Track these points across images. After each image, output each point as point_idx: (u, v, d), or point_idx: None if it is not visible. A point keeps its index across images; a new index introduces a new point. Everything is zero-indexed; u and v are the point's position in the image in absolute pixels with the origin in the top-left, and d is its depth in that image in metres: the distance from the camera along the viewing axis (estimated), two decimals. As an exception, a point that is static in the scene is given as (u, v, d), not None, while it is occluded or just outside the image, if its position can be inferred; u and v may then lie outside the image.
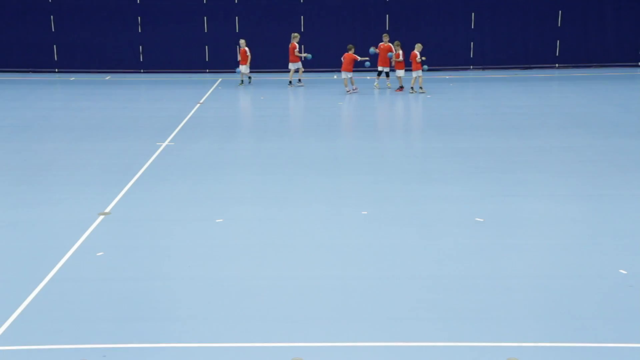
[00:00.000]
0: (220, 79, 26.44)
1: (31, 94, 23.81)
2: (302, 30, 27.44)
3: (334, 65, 27.16)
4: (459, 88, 24.30)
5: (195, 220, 11.91)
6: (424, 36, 25.75)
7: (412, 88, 23.20)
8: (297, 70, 24.99)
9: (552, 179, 13.93)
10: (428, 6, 27.33)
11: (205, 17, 27.56)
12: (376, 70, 24.42)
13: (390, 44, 23.69)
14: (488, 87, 24.57)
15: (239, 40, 25.19)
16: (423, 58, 22.68)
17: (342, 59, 23.54)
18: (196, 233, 11.37)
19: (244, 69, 24.76)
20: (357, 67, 24.00)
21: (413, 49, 22.95)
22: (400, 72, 23.46)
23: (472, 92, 23.89)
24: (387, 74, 24.07)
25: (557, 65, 27.78)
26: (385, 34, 24.25)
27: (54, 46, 27.81)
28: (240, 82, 24.95)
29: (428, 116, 20.61)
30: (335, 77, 26.50)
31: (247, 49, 24.41)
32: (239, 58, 24.94)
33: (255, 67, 27.45)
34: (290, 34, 26.42)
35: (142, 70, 27.98)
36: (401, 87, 23.54)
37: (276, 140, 17.26)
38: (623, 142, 16.57)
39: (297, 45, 24.58)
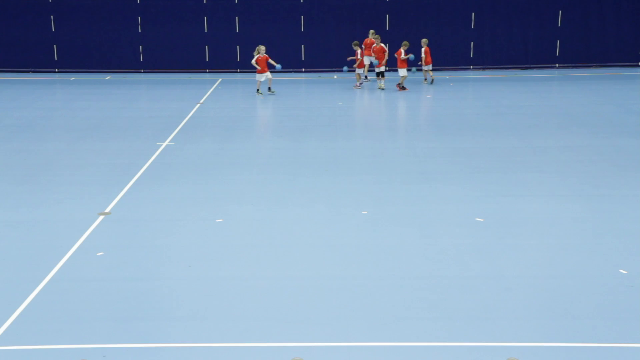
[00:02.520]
0: (220, 79, 26.44)
1: (31, 94, 23.81)
2: (302, 30, 27.45)
3: (334, 65, 27.20)
4: (459, 88, 24.29)
5: (195, 220, 11.91)
6: (424, 36, 25.73)
7: (426, 79, 24.37)
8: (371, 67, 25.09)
9: (552, 179, 13.93)
10: (428, 6, 27.34)
11: (205, 17, 27.56)
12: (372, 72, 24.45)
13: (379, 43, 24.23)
14: (488, 87, 24.57)
15: (258, 45, 23.31)
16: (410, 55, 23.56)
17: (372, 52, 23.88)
18: (196, 233, 11.37)
19: (264, 77, 23.04)
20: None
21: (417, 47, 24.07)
22: (403, 72, 23.61)
23: (472, 92, 23.89)
24: (383, 74, 23.97)
25: (557, 65, 27.79)
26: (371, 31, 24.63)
27: (54, 46, 27.81)
28: (268, 89, 23.26)
29: (428, 116, 20.61)
30: (335, 76, 26.49)
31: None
32: (259, 67, 22.74)
33: (255, 67, 27.45)
34: (289, 33, 26.50)
35: (142, 70, 27.99)
36: (402, 87, 23.61)
37: (276, 140, 17.26)
38: (623, 142, 16.57)
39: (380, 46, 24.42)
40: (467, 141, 16.85)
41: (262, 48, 22.69)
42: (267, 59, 22.58)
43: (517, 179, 13.98)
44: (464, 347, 8.02)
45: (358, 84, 24.22)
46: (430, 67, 24.59)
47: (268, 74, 22.80)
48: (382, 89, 23.75)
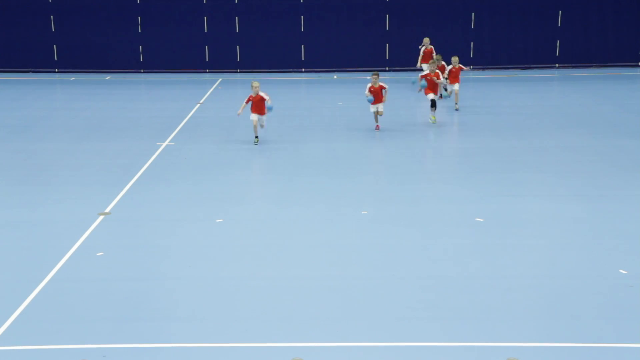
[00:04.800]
0: (220, 79, 26.44)
1: (31, 94, 23.81)
2: (302, 30, 27.45)
3: (334, 65, 27.22)
4: (459, 88, 24.26)
5: (195, 220, 11.91)
6: (424, 36, 25.72)
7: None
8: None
9: (552, 179, 13.93)
10: (428, 6, 27.34)
11: (205, 17, 27.56)
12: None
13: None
14: (488, 87, 24.56)
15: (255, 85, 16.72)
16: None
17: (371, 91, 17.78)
18: (196, 233, 11.37)
19: (261, 118, 16.80)
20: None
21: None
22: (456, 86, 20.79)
23: (472, 92, 23.88)
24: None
25: (557, 65, 27.79)
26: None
27: (54, 46, 27.81)
28: (256, 138, 16.83)
29: (428, 116, 20.59)
30: (335, 77, 26.50)
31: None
32: (248, 104, 16.70)
33: (255, 67, 27.49)
34: (289, 33, 26.51)
35: (142, 70, 27.99)
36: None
37: (276, 140, 17.25)
38: (623, 142, 16.57)
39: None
40: (467, 141, 16.85)
41: (253, 85, 16.57)
42: (262, 100, 16.46)
43: (517, 179, 13.98)
44: (464, 347, 8.02)
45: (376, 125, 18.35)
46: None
47: (255, 119, 16.65)
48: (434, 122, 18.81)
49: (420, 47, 23.82)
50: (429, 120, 18.86)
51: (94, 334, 8.33)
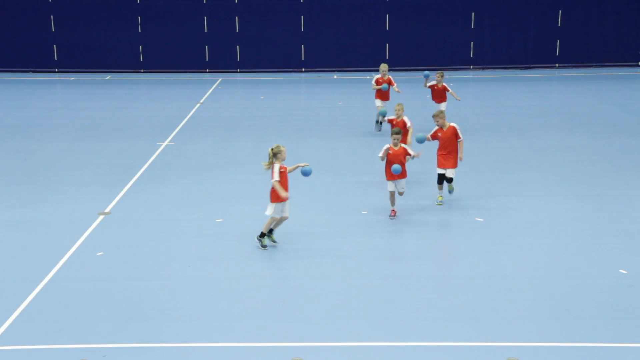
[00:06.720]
0: (220, 79, 26.43)
1: (31, 94, 23.80)
2: (302, 30, 27.44)
3: (334, 65, 27.20)
4: (459, 88, 24.26)
5: (195, 220, 11.91)
6: (424, 36, 25.73)
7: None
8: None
9: (552, 179, 13.93)
10: (428, 6, 27.32)
11: (205, 17, 27.54)
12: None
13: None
14: (488, 87, 24.55)
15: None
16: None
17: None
18: (196, 233, 11.37)
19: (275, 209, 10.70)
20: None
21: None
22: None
23: (472, 92, 23.88)
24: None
25: (557, 65, 27.77)
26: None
27: (54, 46, 27.80)
28: (270, 233, 11.00)
29: (428, 116, 20.57)
30: (335, 77, 26.49)
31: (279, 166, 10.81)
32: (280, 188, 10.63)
33: (255, 67, 27.48)
34: (289, 33, 26.45)
35: (142, 70, 27.97)
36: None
37: (276, 140, 17.20)
38: (623, 142, 16.57)
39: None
40: (467, 141, 16.79)
41: (282, 149, 10.76)
42: (287, 171, 10.84)
43: (517, 179, 13.98)
44: (464, 347, 8.02)
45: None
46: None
47: (284, 209, 10.72)
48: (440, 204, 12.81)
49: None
50: (436, 202, 12.71)
51: (94, 333, 8.34)
